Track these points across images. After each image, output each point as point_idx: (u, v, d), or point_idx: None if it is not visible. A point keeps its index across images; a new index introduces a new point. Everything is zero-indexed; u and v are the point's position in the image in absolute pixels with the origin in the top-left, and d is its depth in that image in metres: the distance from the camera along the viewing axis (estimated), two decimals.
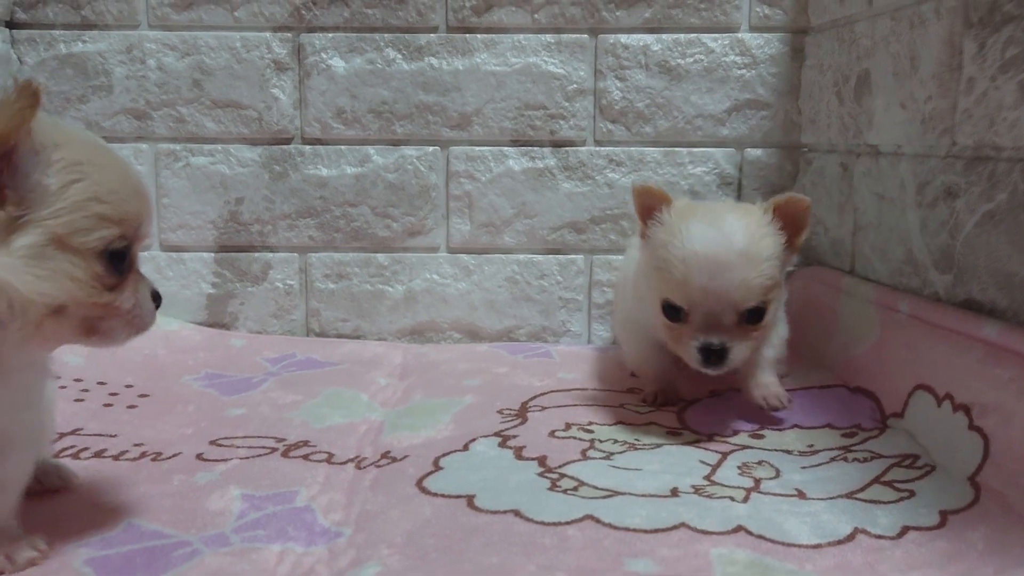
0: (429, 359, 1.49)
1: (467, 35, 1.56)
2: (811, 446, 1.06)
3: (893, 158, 1.21)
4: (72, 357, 1.35)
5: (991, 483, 0.86)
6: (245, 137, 1.58)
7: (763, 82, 1.56)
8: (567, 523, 0.84)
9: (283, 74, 1.57)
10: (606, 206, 1.59)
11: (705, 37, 1.55)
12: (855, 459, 1.01)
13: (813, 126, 1.51)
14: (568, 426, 1.14)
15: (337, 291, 1.62)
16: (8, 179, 0.66)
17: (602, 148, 1.58)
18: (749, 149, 1.58)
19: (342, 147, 1.59)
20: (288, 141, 1.59)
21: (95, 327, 0.73)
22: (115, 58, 1.56)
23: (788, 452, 1.05)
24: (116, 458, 1.03)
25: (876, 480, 0.94)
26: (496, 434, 1.10)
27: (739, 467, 1.00)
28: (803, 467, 1.00)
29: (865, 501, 0.89)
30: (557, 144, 1.59)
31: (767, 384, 1.14)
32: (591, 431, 1.12)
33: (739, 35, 1.55)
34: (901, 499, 0.89)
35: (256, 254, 1.61)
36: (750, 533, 0.82)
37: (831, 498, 0.90)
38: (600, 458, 1.02)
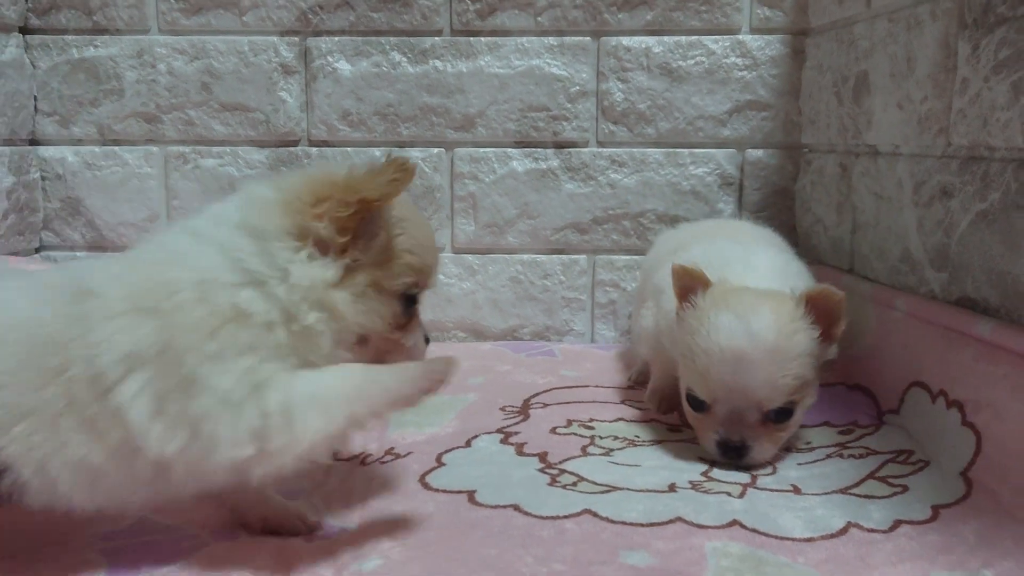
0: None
1: (471, 38, 1.58)
2: (808, 443, 1.08)
3: (891, 158, 1.22)
4: None
5: (982, 478, 0.88)
6: (253, 139, 1.61)
7: (764, 83, 1.57)
8: (565, 517, 0.86)
9: (290, 77, 1.59)
10: (608, 206, 1.61)
11: (706, 39, 1.57)
12: (851, 455, 1.02)
13: (813, 127, 1.52)
14: (569, 423, 1.16)
15: None
16: (360, 233, 0.78)
17: (604, 149, 1.60)
18: (750, 150, 1.59)
19: (348, 149, 1.61)
20: (295, 143, 1.61)
21: (383, 359, 0.84)
22: (126, 62, 1.59)
23: (786, 449, 1.06)
24: None
25: (871, 475, 0.95)
26: (498, 431, 1.12)
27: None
28: (800, 463, 1.01)
29: (859, 496, 0.91)
30: (560, 145, 1.61)
31: None
32: (592, 428, 1.14)
33: (740, 37, 1.56)
34: (894, 494, 0.90)
35: None
36: (744, 527, 0.84)
37: (826, 493, 0.92)
38: (600, 454, 1.04)
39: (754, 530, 0.83)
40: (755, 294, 0.99)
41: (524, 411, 1.21)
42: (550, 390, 1.31)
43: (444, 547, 0.80)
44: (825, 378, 1.27)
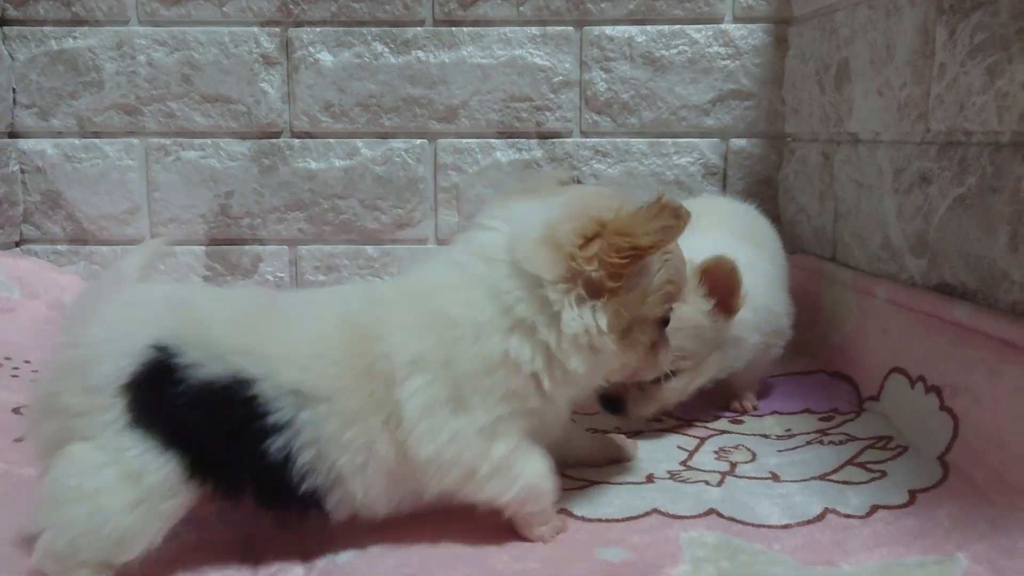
0: None
1: (453, 28, 1.57)
2: (788, 430, 1.08)
3: (871, 145, 1.22)
4: None
5: (959, 462, 0.87)
6: (234, 131, 1.60)
7: (747, 72, 1.57)
8: None
9: (271, 68, 1.58)
10: None
11: (689, 28, 1.56)
12: (831, 442, 1.02)
13: (796, 115, 1.52)
14: None
15: (327, 283, 1.63)
16: (630, 276, 0.76)
17: (588, 139, 1.60)
18: (734, 139, 1.59)
19: (331, 140, 1.60)
20: (277, 135, 1.60)
21: (635, 373, 0.86)
22: (105, 54, 1.58)
23: (765, 436, 1.06)
24: None
25: (849, 462, 0.95)
26: None
27: (716, 452, 1.01)
28: (779, 451, 1.01)
29: (838, 482, 0.90)
30: (543, 136, 1.60)
31: (745, 398, 1.17)
32: (573, 420, 1.13)
33: (723, 26, 1.56)
34: (873, 479, 0.90)
35: (246, 247, 1.63)
36: (721, 516, 0.83)
37: (804, 480, 0.92)
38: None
39: (731, 518, 0.83)
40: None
41: None
42: None
43: (420, 542, 0.80)
44: (806, 365, 1.28)
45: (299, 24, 1.58)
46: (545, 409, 0.78)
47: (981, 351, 0.90)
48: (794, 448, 1.02)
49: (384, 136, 1.60)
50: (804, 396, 1.18)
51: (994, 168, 0.92)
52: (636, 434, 1.08)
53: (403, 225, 1.62)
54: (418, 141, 1.60)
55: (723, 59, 1.57)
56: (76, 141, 1.61)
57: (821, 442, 1.02)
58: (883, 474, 0.91)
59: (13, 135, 1.61)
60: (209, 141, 1.60)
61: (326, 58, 1.58)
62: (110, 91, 1.59)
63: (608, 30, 1.57)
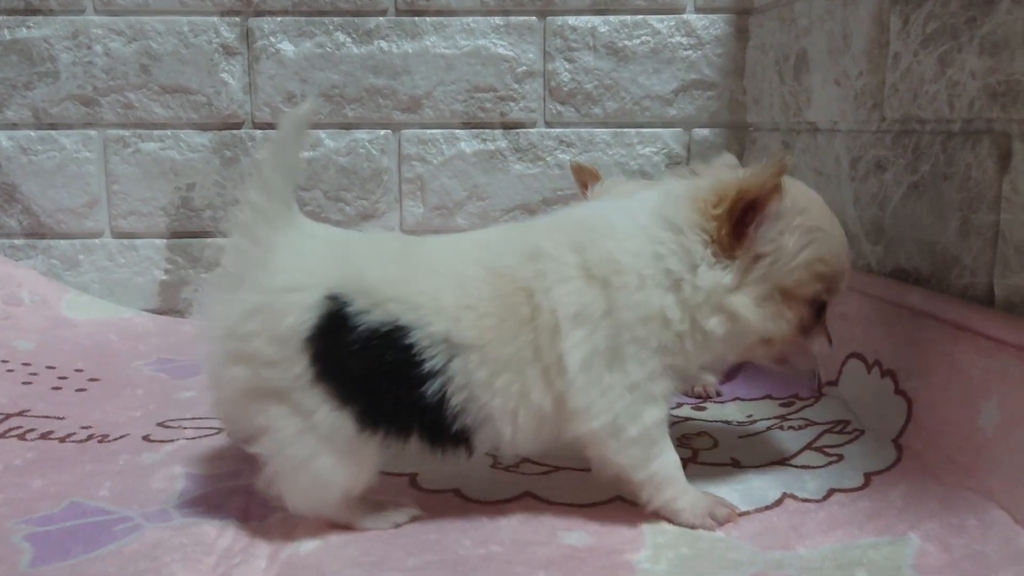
0: None
1: (416, 18, 1.56)
2: (750, 416, 1.09)
3: (829, 134, 1.24)
4: (22, 342, 1.35)
5: (913, 444, 0.89)
6: (195, 122, 1.58)
7: (709, 63, 1.58)
8: (505, 501, 0.86)
9: (232, 58, 1.57)
10: (557, 187, 1.61)
11: (651, 19, 1.57)
12: (790, 427, 1.04)
13: (757, 105, 1.54)
14: None
15: None
16: (754, 232, 0.77)
17: (552, 130, 1.60)
18: (696, 129, 1.60)
19: None
20: (239, 126, 1.59)
21: (785, 358, 0.85)
22: (60, 44, 1.55)
23: (727, 423, 1.08)
24: (63, 440, 1.03)
25: (808, 446, 0.97)
26: None
27: (679, 439, 1.02)
28: (740, 436, 1.03)
29: (796, 467, 0.92)
30: (508, 126, 1.60)
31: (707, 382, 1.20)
32: None
33: (685, 16, 1.57)
34: (830, 463, 0.92)
35: (209, 240, 1.61)
36: None
37: (764, 465, 0.93)
38: None
39: None
40: (627, 187, 1.11)
41: None
42: None
43: (383, 531, 0.80)
44: None
45: (259, 14, 1.56)
46: (685, 368, 0.81)
47: (933, 334, 0.92)
48: (755, 434, 1.03)
49: (347, 127, 1.59)
50: (766, 383, 1.20)
51: (946, 156, 0.94)
52: None
53: (368, 216, 1.61)
54: (382, 132, 1.60)
55: (685, 49, 1.58)
56: (32, 133, 1.57)
57: (781, 427, 1.04)
58: (840, 458, 0.93)
59: None
60: (169, 132, 1.58)
61: (287, 48, 1.56)
62: (66, 82, 1.56)
63: (571, 20, 1.57)
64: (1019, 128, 0.81)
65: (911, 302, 0.97)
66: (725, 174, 0.82)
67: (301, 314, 0.74)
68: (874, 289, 1.06)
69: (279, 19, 1.56)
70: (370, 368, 0.74)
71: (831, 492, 0.85)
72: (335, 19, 1.56)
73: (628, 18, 1.57)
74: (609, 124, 1.60)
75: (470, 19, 1.57)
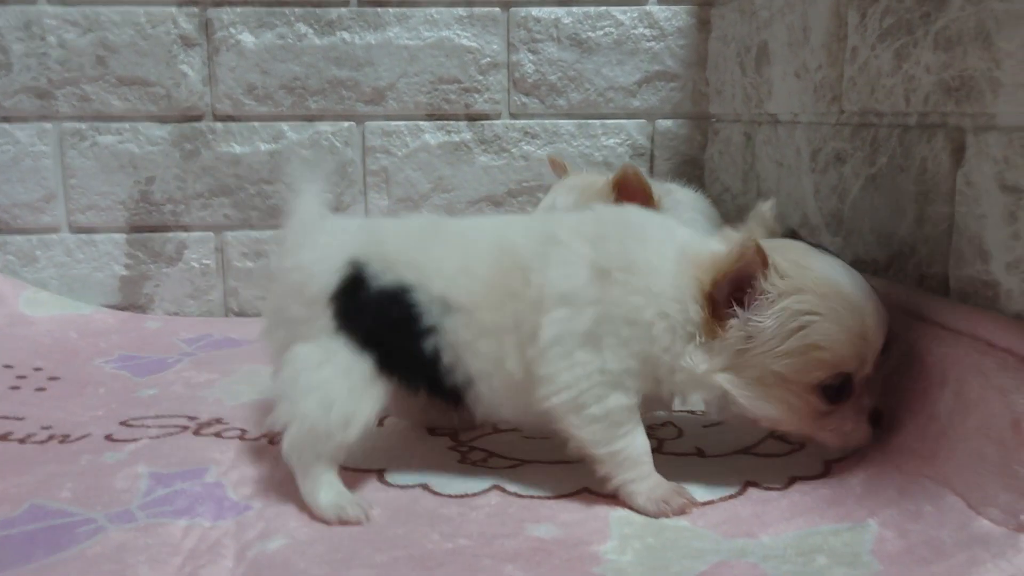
0: None
1: (379, 9, 1.55)
2: None
3: (790, 126, 1.26)
4: None
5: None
6: (153, 115, 1.55)
7: (672, 54, 1.59)
8: (473, 495, 0.86)
9: (191, 50, 1.54)
10: (523, 178, 1.61)
11: (614, 10, 1.57)
12: None
13: (719, 96, 1.55)
14: None
15: (256, 269, 1.61)
16: (742, 312, 0.76)
17: (517, 121, 1.60)
18: (660, 120, 1.61)
19: (255, 124, 1.57)
20: (199, 118, 1.56)
21: (813, 437, 0.82)
22: (12, 34, 1.51)
23: (692, 412, 1.09)
24: (22, 441, 1.02)
25: (769, 435, 0.98)
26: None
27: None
28: (704, 426, 1.04)
29: (759, 456, 0.94)
30: (472, 118, 1.60)
31: None
32: None
33: (647, 8, 1.58)
34: (791, 451, 0.94)
35: (170, 234, 1.59)
36: None
37: (727, 455, 0.94)
38: (510, 429, 1.04)
39: None
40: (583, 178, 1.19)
41: None
42: None
43: (350, 527, 0.80)
44: None
45: (218, 4, 1.53)
46: (665, 394, 0.82)
47: (892, 324, 0.94)
48: (719, 423, 1.05)
49: (310, 119, 1.58)
50: None
51: (902, 148, 0.95)
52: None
53: (332, 209, 1.60)
54: (345, 124, 1.58)
55: (648, 41, 1.58)
56: None
57: None
58: (801, 446, 0.94)
59: None
60: (127, 125, 1.55)
61: (248, 39, 1.54)
62: (19, 73, 1.52)
63: (535, 11, 1.57)
64: (972, 123, 0.83)
65: None
66: (750, 234, 0.78)
67: (327, 277, 0.85)
68: None
69: (238, 10, 1.54)
70: (380, 322, 0.84)
71: (792, 480, 0.87)
72: (296, 10, 1.54)
73: (591, 9, 1.57)
74: (573, 115, 1.60)
75: (433, 10, 1.56)
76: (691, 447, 0.97)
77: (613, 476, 0.82)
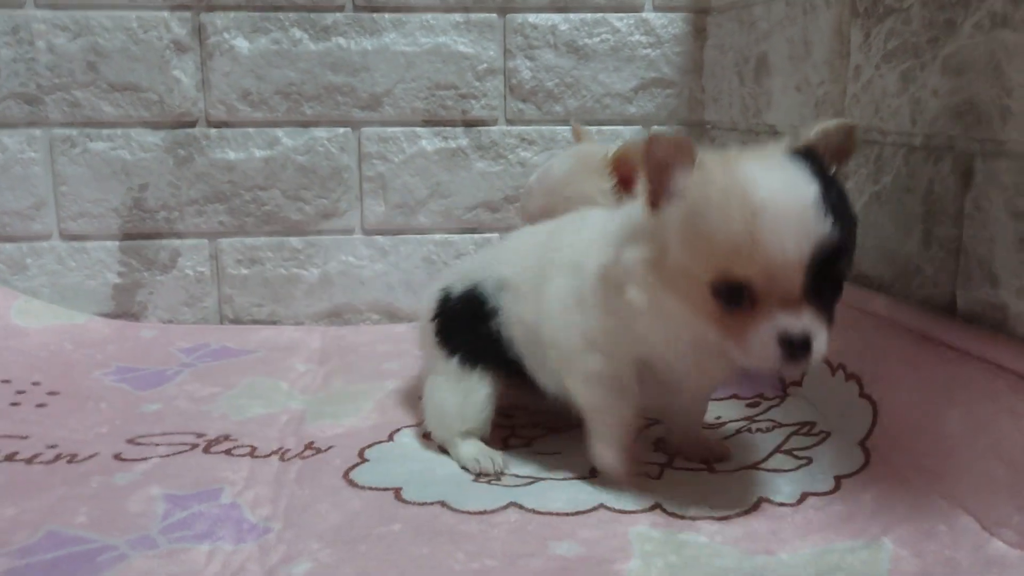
0: (347, 342, 1.50)
1: (375, 14, 1.54)
2: (718, 418, 1.12)
3: None
4: None
5: (879, 447, 0.93)
6: (146, 121, 1.53)
7: (668, 61, 1.60)
8: (492, 511, 0.87)
9: (184, 55, 1.52)
10: (520, 185, 1.61)
11: (611, 16, 1.58)
12: (759, 429, 1.07)
13: (716, 104, 1.56)
14: None
15: (250, 276, 1.60)
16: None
17: (514, 127, 1.60)
18: (656, 127, 1.62)
19: (249, 130, 1.55)
20: (192, 124, 1.55)
21: (720, 344, 0.76)
22: (0, 40, 1.48)
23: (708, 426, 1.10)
24: (29, 461, 1.01)
25: (778, 449, 1.00)
26: (420, 423, 1.12)
27: (655, 442, 1.05)
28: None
29: (768, 471, 0.95)
30: (469, 124, 1.59)
31: None
32: (511, 416, 1.14)
33: (643, 15, 1.58)
34: (800, 466, 0.95)
35: (163, 241, 1.57)
36: (665, 511, 0.86)
37: (737, 470, 0.96)
38: (521, 445, 1.05)
39: (673, 514, 0.86)
40: (583, 147, 1.27)
41: None
42: None
43: (374, 547, 0.80)
44: None
45: (211, 8, 1.51)
46: (649, 362, 0.88)
47: (896, 341, 0.96)
48: (725, 437, 1.06)
49: (306, 125, 1.57)
50: (732, 383, 1.23)
51: (908, 168, 0.97)
52: (577, 427, 1.10)
53: (328, 215, 1.59)
54: (341, 130, 1.57)
55: (644, 48, 1.59)
56: None
57: (750, 430, 1.07)
58: (809, 461, 0.96)
59: None
60: (119, 131, 1.53)
61: (242, 44, 1.53)
62: (7, 79, 1.49)
63: (531, 18, 1.57)
64: (981, 148, 0.85)
65: (874, 308, 1.00)
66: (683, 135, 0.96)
67: (429, 306, 1.07)
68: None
69: (232, 15, 1.52)
70: (459, 322, 1.01)
71: (805, 496, 0.89)
72: (291, 15, 1.53)
73: (588, 16, 1.57)
74: (570, 121, 1.61)
75: (429, 16, 1.55)
76: (700, 462, 0.99)
77: (589, 425, 0.94)
